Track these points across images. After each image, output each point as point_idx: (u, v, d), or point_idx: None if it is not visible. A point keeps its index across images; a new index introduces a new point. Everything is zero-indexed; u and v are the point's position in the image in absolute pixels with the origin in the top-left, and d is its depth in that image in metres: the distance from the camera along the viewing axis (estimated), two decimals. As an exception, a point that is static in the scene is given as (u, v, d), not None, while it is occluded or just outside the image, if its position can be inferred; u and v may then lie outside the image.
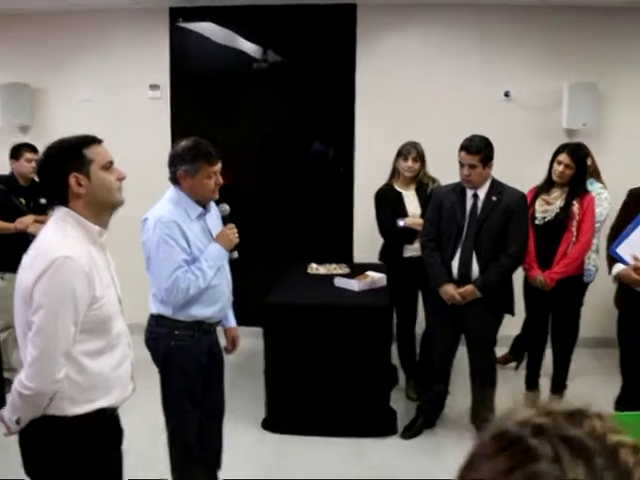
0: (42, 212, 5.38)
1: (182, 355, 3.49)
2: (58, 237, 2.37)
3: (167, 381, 3.58)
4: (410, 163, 5.17)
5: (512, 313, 4.67)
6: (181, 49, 6.57)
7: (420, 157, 5.22)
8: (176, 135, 6.52)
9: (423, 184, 5.26)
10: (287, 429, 4.76)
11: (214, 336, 3.72)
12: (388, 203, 5.24)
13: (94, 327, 2.39)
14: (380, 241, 5.51)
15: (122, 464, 2.68)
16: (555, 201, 4.78)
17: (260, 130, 6.74)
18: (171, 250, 3.34)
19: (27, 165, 5.38)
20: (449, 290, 4.48)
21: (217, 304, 3.56)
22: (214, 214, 3.63)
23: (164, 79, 6.52)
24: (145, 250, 3.43)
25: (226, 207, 3.67)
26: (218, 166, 3.46)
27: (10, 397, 2.34)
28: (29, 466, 2.46)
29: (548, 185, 4.85)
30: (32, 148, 5.45)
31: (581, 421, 0.84)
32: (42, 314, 2.27)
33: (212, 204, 3.62)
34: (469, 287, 4.44)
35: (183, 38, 6.58)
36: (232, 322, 3.90)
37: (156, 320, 3.53)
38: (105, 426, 2.52)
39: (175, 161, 3.44)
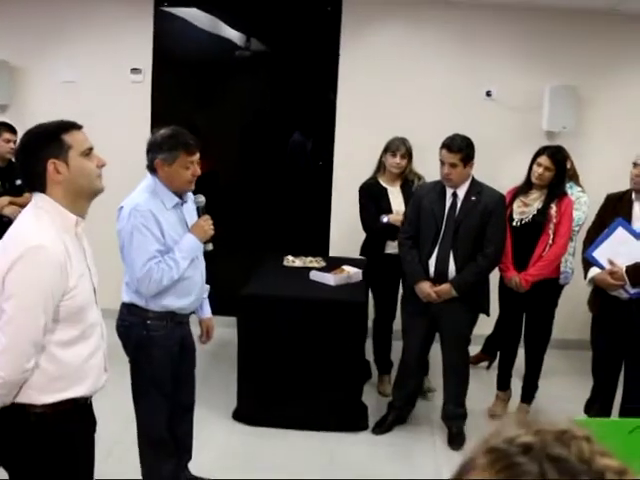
0: (18, 193, 5.32)
1: (153, 345, 3.47)
2: (33, 225, 2.33)
3: (137, 371, 3.56)
4: (398, 159, 5.14)
5: (487, 313, 4.69)
6: (164, 34, 6.50)
7: (408, 153, 5.18)
8: (156, 120, 6.46)
9: (409, 181, 5.22)
10: (258, 421, 4.74)
11: (187, 327, 3.71)
12: (372, 198, 5.22)
13: (67, 317, 2.36)
14: (357, 236, 5.51)
15: (94, 452, 2.66)
16: (533, 203, 4.78)
17: (241, 118, 6.70)
18: (145, 240, 3.31)
19: (5, 145, 5.30)
20: (425, 288, 4.48)
21: (190, 295, 3.54)
22: (191, 204, 3.60)
23: (146, 63, 6.44)
24: (119, 239, 3.40)
25: (201, 198, 3.63)
26: (196, 156, 3.43)
27: None
28: None
29: (527, 187, 4.84)
30: (10, 128, 5.36)
31: (569, 442, 0.85)
32: (13, 303, 2.24)
33: (189, 195, 3.59)
34: (445, 286, 4.44)
35: (167, 23, 6.51)
36: (207, 312, 3.88)
37: (128, 309, 3.50)
38: (77, 415, 2.49)
39: (153, 149, 3.40)
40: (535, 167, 4.77)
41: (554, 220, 4.70)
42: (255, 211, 6.73)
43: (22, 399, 2.32)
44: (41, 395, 2.34)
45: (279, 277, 5.18)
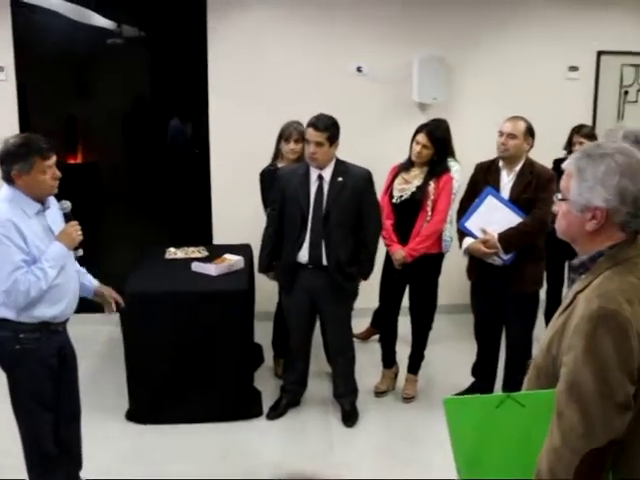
0: None
1: (29, 359, 3.38)
2: None
3: (15, 386, 3.47)
4: (292, 145, 5.02)
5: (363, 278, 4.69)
6: (25, 26, 6.22)
7: (302, 138, 5.04)
8: (25, 119, 6.23)
9: None
10: (151, 419, 4.68)
11: (64, 335, 3.62)
12: (272, 184, 5.15)
13: None
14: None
15: None
16: (413, 180, 4.76)
17: (119, 107, 6.52)
18: (8, 250, 3.21)
19: None
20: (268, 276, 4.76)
21: (62, 303, 3.45)
22: (54, 209, 3.51)
23: (8, 60, 6.15)
24: None
25: (67, 204, 3.53)
26: (53, 160, 3.33)
27: None
28: None
29: (409, 164, 4.84)
30: None
31: None
32: None
33: (52, 199, 3.50)
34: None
35: (27, 14, 6.23)
36: (95, 282, 3.80)
37: None
38: None
39: (7, 160, 3.28)
40: (414, 145, 4.76)
41: (432, 197, 4.71)
42: (137, 202, 6.60)
43: None
44: None
45: (160, 271, 5.08)
